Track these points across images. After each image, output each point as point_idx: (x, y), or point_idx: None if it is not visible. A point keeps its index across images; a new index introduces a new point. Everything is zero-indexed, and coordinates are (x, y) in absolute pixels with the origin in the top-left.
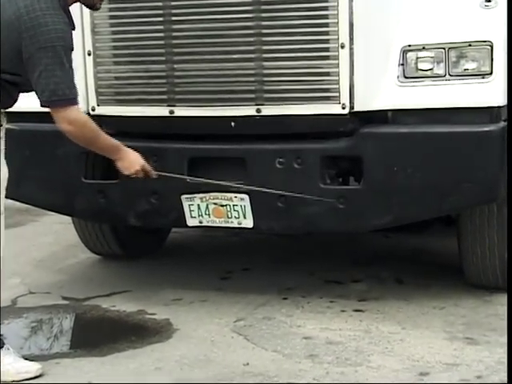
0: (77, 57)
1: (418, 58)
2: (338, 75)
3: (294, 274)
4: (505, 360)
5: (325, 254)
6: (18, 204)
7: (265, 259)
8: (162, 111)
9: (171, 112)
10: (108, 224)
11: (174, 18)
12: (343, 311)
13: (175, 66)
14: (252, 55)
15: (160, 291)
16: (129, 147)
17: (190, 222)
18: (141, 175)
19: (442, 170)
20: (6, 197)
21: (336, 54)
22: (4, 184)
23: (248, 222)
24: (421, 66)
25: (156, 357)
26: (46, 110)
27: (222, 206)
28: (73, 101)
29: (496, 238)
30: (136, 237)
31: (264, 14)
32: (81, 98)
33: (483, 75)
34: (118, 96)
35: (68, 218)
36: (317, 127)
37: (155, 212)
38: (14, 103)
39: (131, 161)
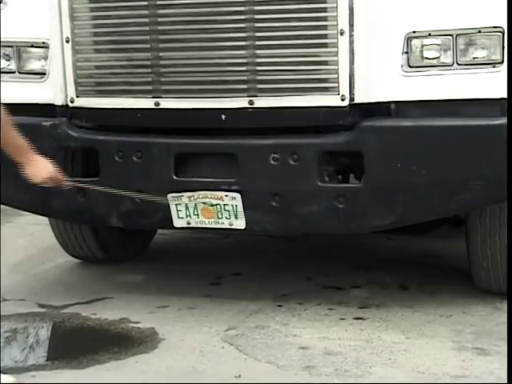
0: (54, 44)
1: (423, 45)
2: (337, 64)
3: (290, 279)
4: None
5: (323, 258)
6: None
7: (258, 263)
8: (146, 103)
9: (156, 104)
10: (88, 225)
11: (159, 2)
12: (343, 319)
13: (161, 54)
14: (244, 42)
15: (144, 298)
16: (111, 142)
17: (177, 223)
18: (50, 185)
19: (449, 166)
20: None
21: (335, 41)
22: None
23: (240, 223)
24: (426, 54)
25: (140, 369)
26: (20, 101)
27: (212, 205)
28: None
29: (508, 240)
30: (118, 239)
31: None
32: (58, 89)
33: (494, 64)
34: (98, 87)
35: (45, 219)
36: (314, 120)
37: (139, 212)
38: None
39: (39, 168)
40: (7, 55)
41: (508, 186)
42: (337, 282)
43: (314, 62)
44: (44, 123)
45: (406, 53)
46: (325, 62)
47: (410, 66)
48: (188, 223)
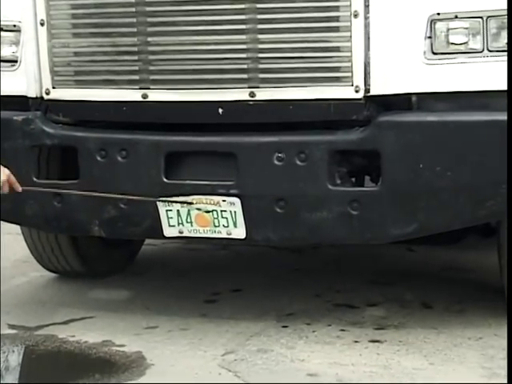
0: (27, 27)
1: (449, 29)
2: (350, 51)
3: (296, 297)
4: None
5: (334, 272)
6: None
7: (260, 278)
8: (132, 95)
9: (144, 96)
10: (66, 234)
11: None
12: (356, 342)
13: (149, 38)
14: (244, 26)
15: (130, 318)
16: (92, 139)
17: (168, 232)
18: (6, 189)
19: (478, 167)
20: None
21: (348, 24)
22: None
23: (239, 232)
24: (452, 39)
25: None
26: None
27: (208, 211)
28: None
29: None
30: (100, 250)
31: None
32: (32, 79)
33: None
34: (77, 76)
35: (16, 228)
36: (324, 115)
37: (124, 219)
38: None
39: None
40: None
41: (508, 186)
42: (350, 300)
43: (324, 49)
44: (15, 118)
45: (430, 38)
46: (336, 49)
47: (434, 53)
48: (180, 232)
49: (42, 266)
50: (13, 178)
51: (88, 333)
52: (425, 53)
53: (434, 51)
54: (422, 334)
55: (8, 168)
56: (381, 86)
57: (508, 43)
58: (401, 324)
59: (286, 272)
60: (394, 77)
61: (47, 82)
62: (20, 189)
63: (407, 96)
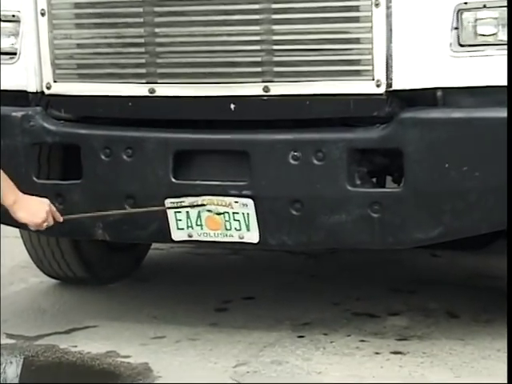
0: (27, 18)
1: (476, 19)
2: (371, 42)
3: (313, 305)
4: None
5: (353, 279)
6: None
7: (274, 285)
8: (139, 89)
9: (151, 91)
10: (68, 238)
11: None
12: (377, 353)
13: (156, 29)
14: (258, 16)
15: (136, 327)
16: (96, 137)
17: (177, 236)
18: (51, 221)
19: (507, 167)
20: None
21: (369, 14)
22: None
23: (252, 236)
24: (481, 30)
25: None
26: None
27: (219, 214)
28: None
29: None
30: (104, 255)
31: None
32: (32, 73)
33: None
34: (80, 70)
35: (15, 231)
36: (343, 111)
37: (130, 222)
38: None
39: (32, 209)
40: None
41: (508, 186)
42: (370, 308)
43: (343, 40)
44: (14, 114)
45: (456, 29)
46: (356, 40)
47: (461, 45)
48: (189, 236)
49: (42, 272)
50: (53, 208)
51: (91, 343)
52: (451, 45)
53: (461, 43)
54: (448, 346)
55: (6, 167)
56: (403, 81)
57: (508, 43)
58: (425, 334)
59: (302, 279)
60: (418, 70)
61: (48, 76)
62: (61, 219)
63: (432, 91)
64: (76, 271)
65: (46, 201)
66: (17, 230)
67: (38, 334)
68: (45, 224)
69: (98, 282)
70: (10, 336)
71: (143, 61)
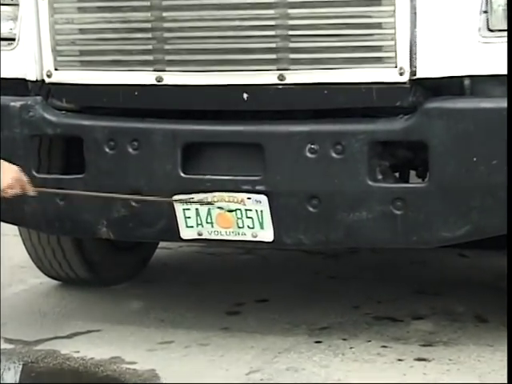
0: (26, 1)
1: (507, 2)
2: (394, 27)
3: (331, 308)
4: None
5: (374, 280)
6: None
7: (289, 287)
8: (145, 78)
9: (159, 79)
10: (70, 236)
11: None
12: (400, 360)
13: (164, 13)
14: None
15: (142, 331)
16: (100, 128)
17: (185, 234)
18: (15, 190)
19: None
20: None
21: None
22: None
23: (266, 234)
24: None
25: None
26: None
27: (230, 211)
28: None
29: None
30: (108, 255)
31: None
32: (32, 60)
33: None
34: (83, 56)
35: (13, 228)
36: (363, 101)
37: (136, 219)
38: None
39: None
40: None
41: (508, 186)
42: (392, 312)
43: (364, 25)
44: (13, 104)
45: (485, 12)
46: (378, 25)
47: (490, 30)
48: (199, 234)
49: (42, 273)
50: (24, 178)
51: (94, 348)
52: (479, 30)
53: (491, 28)
54: (476, 352)
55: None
56: (428, 68)
57: (508, 42)
58: (451, 340)
59: (320, 280)
60: (444, 57)
61: (49, 63)
62: (32, 191)
63: (459, 79)
64: (78, 272)
65: (15, 168)
66: (16, 228)
67: (37, 339)
68: (10, 191)
69: (102, 283)
70: (8, 341)
71: (150, 47)
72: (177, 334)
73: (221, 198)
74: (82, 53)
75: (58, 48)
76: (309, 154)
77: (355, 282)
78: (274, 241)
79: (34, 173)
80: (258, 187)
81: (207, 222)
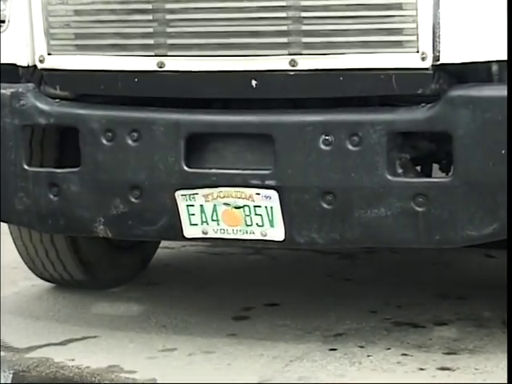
0: None
1: None
2: (416, 8)
3: (347, 313)
4: None
5: (394, 283)
6: None
7: (301, 290)
8: (146, 63)
9: (160, 64)
10: (64, 235)
11: None
12: (422, 369)
13: None
14: None
15: (142, 337)
16: (97, 118)
17: (189, 232)
18: None
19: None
20: None
21: None
22: None
23: (277, 233)
24: None
25: None
26: None
27: (238, 207)
28: None
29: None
30: (106, 255)
31: None
32: (23, 43)
33: None
34: (79, 40)
35: (3, 226)
36: (382, 88)
37: (136, 216)
38: None
39: None
40: None
41: (508, 186)
42: (413, 317)
43: (383, 6)
44: (3, 92)
45: None
46: (398, 6)
47: None
48: (204, 232)
49: (34, 274)
50: None
51: (91, 356)
52: None
53: None
54: (504, 361)
55: None
56: (453, 53)
57: (508, 42)
58: (477, 348)
59: (335, 282)
60: (470, 41)
61: (41, 48)
62: None
63: (486, 65)
64: (73, 273)
65: None
66: (5, 225)
67: (29, 346)
68: None
69: (99, 285)
70: None
71: (151, 30)
72: (179, 340)
73: (227, 194)
74: (78, 36)
75: (52, 31)
76: (323, 146)
77: (373, 284)
78: (284, 240)
79: (25, 166)
80: (268, 182)
81: (213, 220)
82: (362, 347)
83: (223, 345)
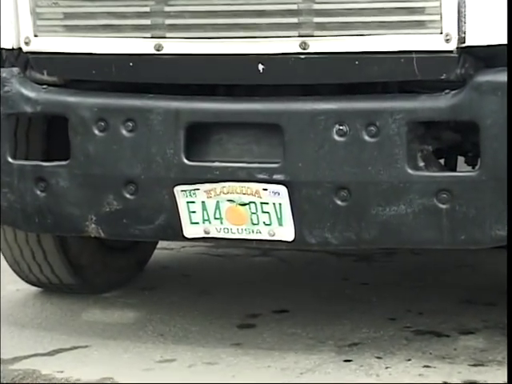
0: None
1: None
2: None
3: (363, 320)
4: None
5: (415, 287)
6: None
7: (313, 295)
8: (142, 46)
9: (158, 47)
10: (52, 235)
11: None
12: (446, 383)
13: None
14: None
15: (138, 347)
16: (88, 106)
17: (190, 232)
18: None
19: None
20: None
21: None
22: None
23: (286, 232)
24: None
25: None
26: None
27: (243, 204)
28: None
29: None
30: (98, 256)
31: None
32: (7, 24)
33: None
34: (68, 20)
35: None
36: (402, 73)
37: (131, 214)
38: None
39: None
40: None
41: (508, 186)
42: (436, 325)
43: None
44: None
45: None
46: None
47: None
48: (206, 232)
49: (20, 278)
50: None
51: (81, 367)
52: None
53: None
54: None
55: None
56: (480, 34)
57: (508, 42)
58: (506, 359)
59: (350, 287)
60: (499, 21)
61: (27, 28)
62: None
63: None
64: (62, 276)
65: None
66: None
67: (14, 356)
68: None
69: (90, 290)
70: None
71: (147, 9)
72: (179, 350)
73: (232, 190)
74: (67, 16)
75: (38, 10)
76: (337, 137)
77: (392, 289)
78: (294, 240)
79: (9, 159)
80: (276, 176)
81: (215, 218)
82: (379, 358)
83: (227, 355)
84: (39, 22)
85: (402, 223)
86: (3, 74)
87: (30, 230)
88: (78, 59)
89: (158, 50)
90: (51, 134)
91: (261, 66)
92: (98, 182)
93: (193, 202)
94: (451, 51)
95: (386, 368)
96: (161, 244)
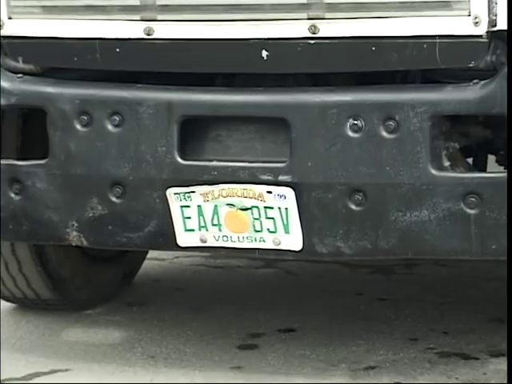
0: None
1: None
2: None
3: (380, 341)
4: None
5: (439, 304)
6: None
7: (324, 311)
8: (130, 29)
9: (148, 31)
10: (28, 244)
11: None
12: None
13: None
14: None
15: (125, 371)
16: (69, 98)
17: (184, 240)
18: None
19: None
20: None
21: None
22: None
23: (293, 241)
24: None
25: None
26: None
27: (245, 209)
28: None
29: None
30: (80, 268)
31: None
32: None
33: None
34: (46, 0)
35: None
36: (424, 61)
37: (117, 220)
38: None
39: None
40: None
41: (508, 186)
42: (464, 346)
43: None
44: None
45: None
46: None
47: None
48: (202, 240)
49: None
50: None
51: None
52: None
53: None
54: None
55: None
56: None
57: (508, 41)
58: None
59: (365, 303)
60: None
61: (1, 10)
62: None
63: None
64: (39, 291)
65: None
66: None
67: (4, 378)
68: None
69: (71, 306)
70: None
71: None
72: (172, 374)
73: (232, 192)
74: None
75: None
76: (350, 133)
77: (412, 305)
78: (302, 249)
79: None
80: (282, 177)
81: (213, 224)
82: None
83: (226, 379)
84: (13, 3)
85: (425, 231)
86: None
87: (3, 237)
88: (57, 44)
89: (149, 35)
90: (27, 129)
91: (264, 53)
92: (80, 183)
93: (187, 207)
94: (480, 36)
95: None
96: (151, 254)
